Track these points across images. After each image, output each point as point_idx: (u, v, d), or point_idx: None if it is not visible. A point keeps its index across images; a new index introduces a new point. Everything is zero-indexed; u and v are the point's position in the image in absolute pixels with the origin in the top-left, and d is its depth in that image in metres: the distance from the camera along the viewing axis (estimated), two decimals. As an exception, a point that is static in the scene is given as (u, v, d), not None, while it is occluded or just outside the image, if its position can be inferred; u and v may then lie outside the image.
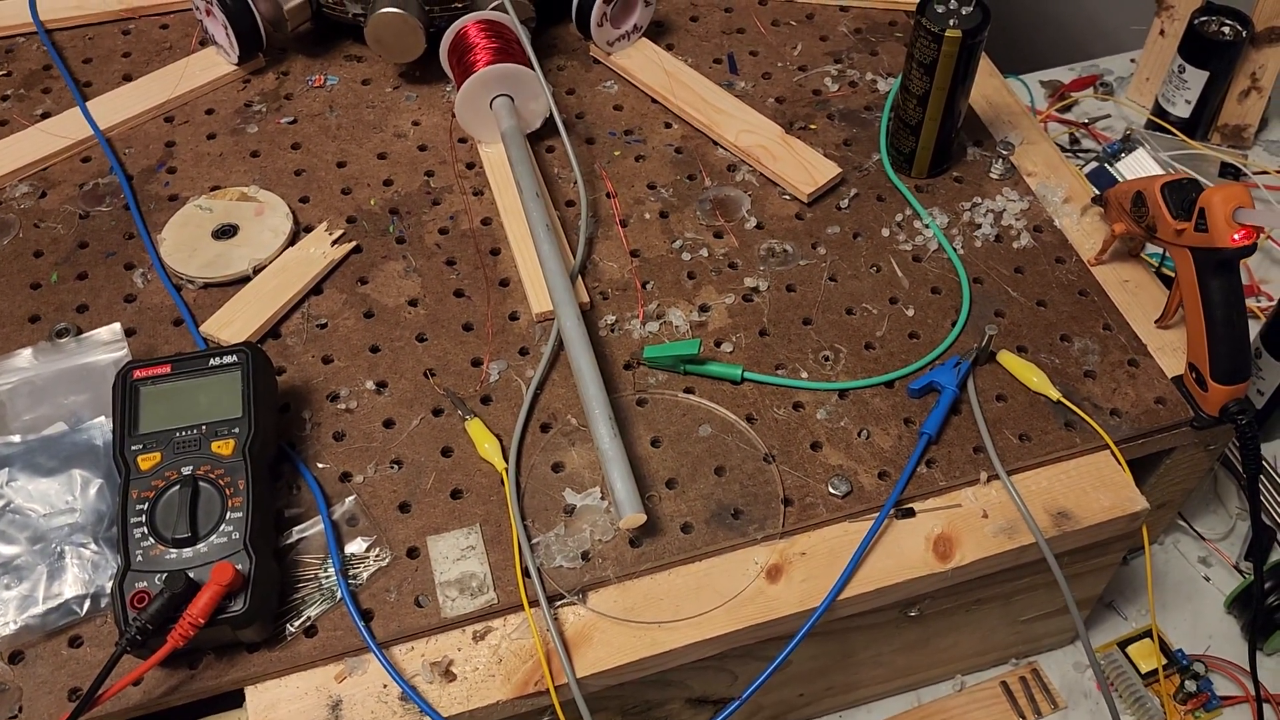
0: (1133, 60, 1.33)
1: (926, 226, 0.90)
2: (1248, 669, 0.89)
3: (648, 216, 0.92)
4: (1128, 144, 1.18)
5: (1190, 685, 0.88)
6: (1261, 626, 0.88)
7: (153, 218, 0.91)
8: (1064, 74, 1.34)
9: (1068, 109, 1.30)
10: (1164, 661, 0.89)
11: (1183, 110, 1.21)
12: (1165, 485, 0.86)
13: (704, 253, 0.89)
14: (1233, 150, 1.23)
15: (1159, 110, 1.24)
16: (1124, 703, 0.88)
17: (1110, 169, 1.16)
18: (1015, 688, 0.90)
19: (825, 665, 0.82)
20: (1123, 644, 0.91)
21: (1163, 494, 0.87)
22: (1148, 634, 0.91)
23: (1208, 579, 0.96)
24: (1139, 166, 1.15)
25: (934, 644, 0.84)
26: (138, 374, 0.73)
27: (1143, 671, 0.89)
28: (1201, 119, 1.22)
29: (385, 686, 0.69)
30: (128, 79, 1.02)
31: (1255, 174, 1.20)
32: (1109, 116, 1.28)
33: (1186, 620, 0.94)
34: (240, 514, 0.68)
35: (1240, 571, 0.96)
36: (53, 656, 0.69)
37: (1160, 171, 1.15)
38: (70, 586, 0.70)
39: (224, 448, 0.71)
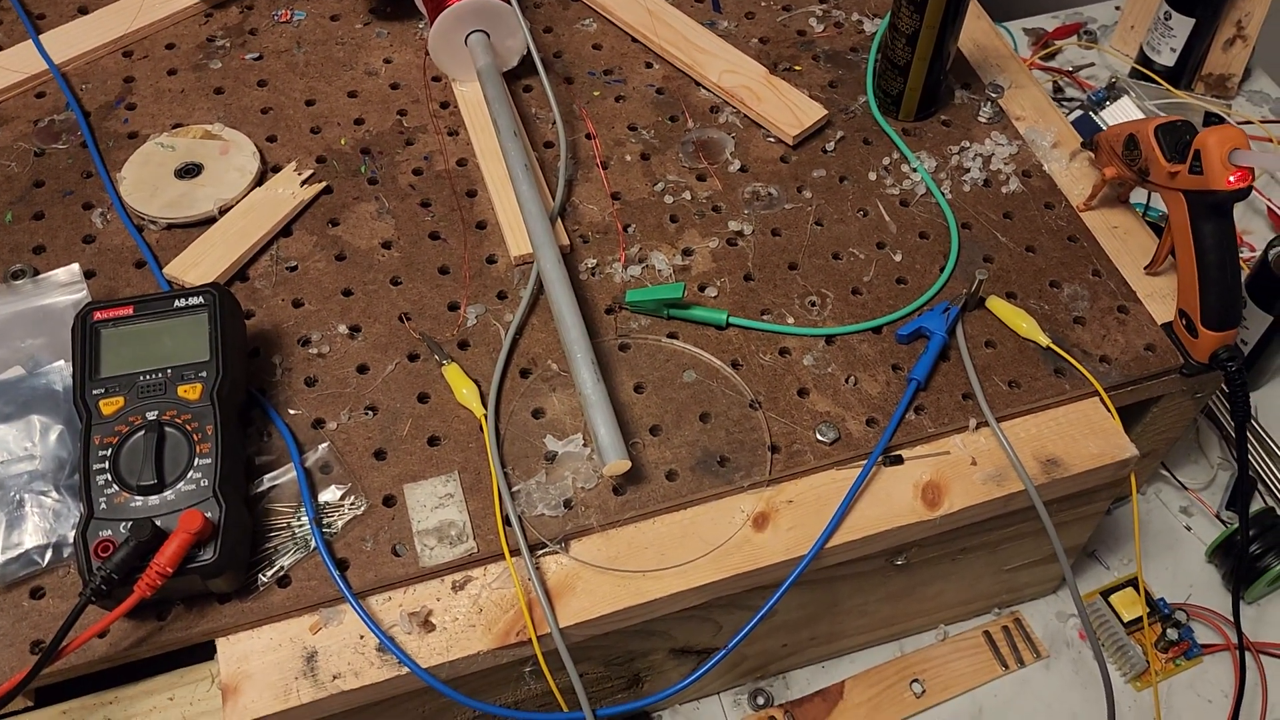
0: (1117, 8, 1.31)
1: (914, 170, 0.88)
2: (1228, 617, 0.89)
3: (628, 158, 0.89)
4: (1112, 92, 1.16)
5: (1172, 634, 0.87)
6: (1244, 574, 0.88)
7: (112, 156, 0.87)
8: (1047, 21, 1.32)
9: (1051, 57, 1.29)
10: (1147, 610, 0.89)
11: (1168, 59, 1.20)
12: (1151, 434, 0.86)
13: (687, 196, 0.87)
14: (1216, 100, 1.22)
15: (1143, 59, 1.23)
16: (1107, 651, 0.88)
17: (1095, 117, 1.15)
18: (998, 637, 0.89)
19: (810, 615, 0.80)
20: (1105, 593, 0.90)
21: (1148, 443, 0.87)
22: (1130, 583, 0.91)
23: (1189, 528, 0.96)
24: (1124, 115, 1.14)
25: (919, 593, 0.83)
26: (98, 315, 0.70)
27: (1125, 620, 0.88)
28: (1186, 68, 1.20)
29: (362, 638, 0.66)
30: (83, 11, 0.97)
31: (1239, 124, 1.19)
32: (1093, 65, 1.27)
33: (1167, 569, 0.93)
34: (209, 460, 0.66)
35: (1221, 521, 0.95)
36: (13, 608, 0.66)
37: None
38: (30, 536, 0.67)
39: (191, 392, 0.68)
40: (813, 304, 0.81)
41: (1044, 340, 0.78)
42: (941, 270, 0.82)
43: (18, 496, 0.68)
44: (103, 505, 0.64)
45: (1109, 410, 0.76)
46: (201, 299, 0.71)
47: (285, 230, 0.84)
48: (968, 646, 0.89)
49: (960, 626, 0.90)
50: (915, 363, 0.77)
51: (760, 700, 0.86)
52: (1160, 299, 0.82)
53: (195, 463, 0.66)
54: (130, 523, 0.63)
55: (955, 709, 0.86)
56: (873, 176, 0.88)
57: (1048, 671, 0.88)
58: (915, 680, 0.87)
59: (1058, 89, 1.24)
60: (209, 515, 0.64)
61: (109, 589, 0.61)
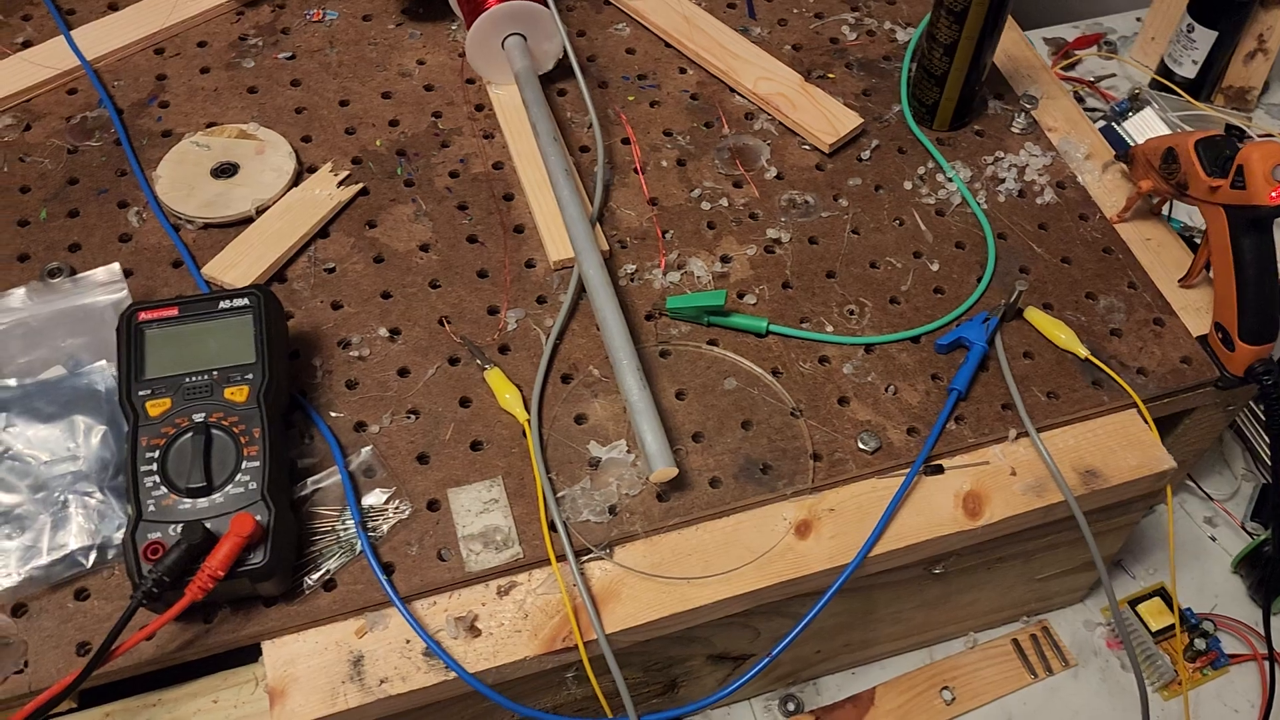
0: (1138, 19, 1.31)
1: (949, 180, 0.88)
2: (1254, 627, 0.89)
3: (664, 164, 0.89)
4: (1136, 103, 1.17)
5: (1199, 643, 0.88)
6: (1275, 585, 0.89)
7: (145, 154, 0.87)
8: (1068, 31, 1.32)
9: (1071, 67, 1.29)
10: (1178, 620, 0.89)
11: (1189, 70, 1.20)
12: (1181, 445, 0.86)
13: (724, 202, 0.87)
14: (1236, 112, 1.23)
15: (1164, 70, 1.23)
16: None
17: (1118, 128, 1.15)
18: (1026, 645, 0.90)
19: (846, 622, 0.81)
20: (1132, 602, 0.91)
21: (1178, 454, 0.86)
22: (1156, 593, 0.91)
23: (1213, 539, 0.96)
24: (1147, 126, 1.14)
25: (953, 601, 0.84)
26: (143, 316, 0.70)
27: (1152, 630, 0.89)
28: (1207, 80, 1.21)
29: (408, 642, 0.66)
30: (114, 8, 0.97)
31: (1259, 137, 1.20)
32: (1113, 76, 1.27)
33: (1193, 580, 0.94)
34: (257, 463, 0.65)
35: (1247, 531, 0.96)
36: (58, 609, 0.66)
37: (1169, 131, 1.14)
38: (75, 537, 0.66)
39: (238, 394, 0.68)
40: (851, 312, 0.81)
41: (1082, 352, 0.78)
42: (979, 280, 0.83)
43: (62, 497, 0.67)
44: (151, 507, 0.64)
45: (1147, 422, 0.77)
46: (246, 300, 0.70)
47: (322, 231, 0.83)
48: (997, 654, 0.89)
49: (989, 634, 0.91)
50: (956, 373, 0.77)
51: (791, 706, 0.87)
52: (1194, 312, 0.82)
53: (243, 465, 0.65)
54: (181, 525, 0.63)
55: (985, 716, 0.87)
56: (908, 186, 0.88)
57: (1076, 680, 0.89)
58: (945, 687, 0.87)
59: (1079, 99, 1.24)
60: (259, 518, 0.64)
61: (160, 592, 0.61)
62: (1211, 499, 0.98)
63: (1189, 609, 0.91)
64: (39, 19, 0.96)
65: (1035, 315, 0.80)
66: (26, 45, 0.93)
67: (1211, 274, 0.80)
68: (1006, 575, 0.83)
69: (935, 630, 0.88)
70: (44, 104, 0.90)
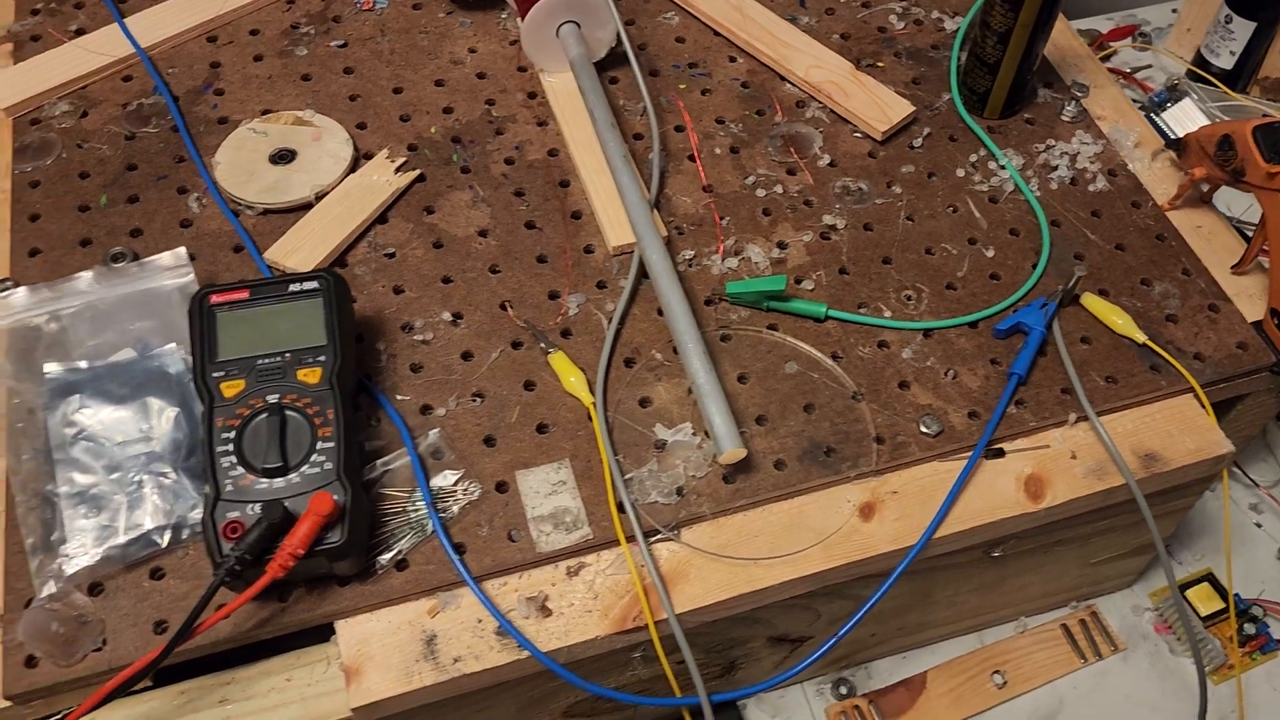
0: (1174, 10, 1.32)
1: (1002, 168, 0.89)
2: (1302, 613, 0.90)
3: (718, 151, 0.90)
4: (1174, 94, 1.17)
5: (1249, 628, 0.89)
6: (1323, 571, 0.90)
7: (203, 140, 0.87)
8: (1102, 23, 1.33)
9: (1106, 59, 1.29)
10: (1225, 604, 0.90)
11: (1226, 62, 1.21)
12: (1231, 432, 0.86)
13: (778, 189, 0.87)
14: (1273, 103, 1.23)
15: (1200, 61, 1.24)
16: (1184, 644, 0.89)
17: (1156, 119, 1.16)
18: (1075, 630, 0.91)
19: (903, 605, 0.81)
20: (1181, 587, 0.91)
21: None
22: (1205, 578, 0.92)
23: (1259, 525, 0.97)
24: (1186, 117, 1.15)
25: (1007, 584, 0.84)
26: (214, 299, 0.70)
27: (1201, 614, 0.89)
28: (1244, 71, 1.21)
29: (480, 621, 0.67)
30: (164, -5, 0.97)
31: (1296, 127, 1.20)
32: (1149, 67, 1.28)
33: (1240, 566, 0.95)
34: (332, 444, 0.66)
35: (1294, 518, 0.97)
36: (134, 588, 0.66)
37: (1208, 121, 1.14)
38: (150, 517, 0.67)
39: (310, 376, 0.68)
40: (908, 298, 0.81)
41: (1140, 337, 0.79)
42: (1034, 267, 0.83)
43: (137, 478, 0.68)
44: (229, 487, 0.64)
45: (1204, 406, 0.77)
46: (316, 284, 0.71)
47: (381, 217, 0.84)
48: (1046, 638, 0.90)
49: (1038, 619, 0.91)
50: (1015, 357, 0.77)
51: (843, 690, 0.87)
52: (1248, 299, 0.83)
53: (318, 446, 0.66)
54: (261, 504, 0.63)
55: (1036, 700, 0.87)
56: (960, 173, 0.89)
57: (1125, 664, 0.89)
58: (996, 671, 0.88)
59: (1115, 90, 1.25)
60: (336, 498, 0.64)
61: (242, 570, 0.61)
62: (1258, 485, 0.98)
63: (1237, 594, 0.92)
64: (91, 6, 0.96)
65: (1092, 301, 0.81)
66: (80, 33, 0.94)
67: (1267, 260, 0.80)
68: (1062, 559, 0.84)
69: (987, 614, 0.89)
70: (99, 91, 0.91)
